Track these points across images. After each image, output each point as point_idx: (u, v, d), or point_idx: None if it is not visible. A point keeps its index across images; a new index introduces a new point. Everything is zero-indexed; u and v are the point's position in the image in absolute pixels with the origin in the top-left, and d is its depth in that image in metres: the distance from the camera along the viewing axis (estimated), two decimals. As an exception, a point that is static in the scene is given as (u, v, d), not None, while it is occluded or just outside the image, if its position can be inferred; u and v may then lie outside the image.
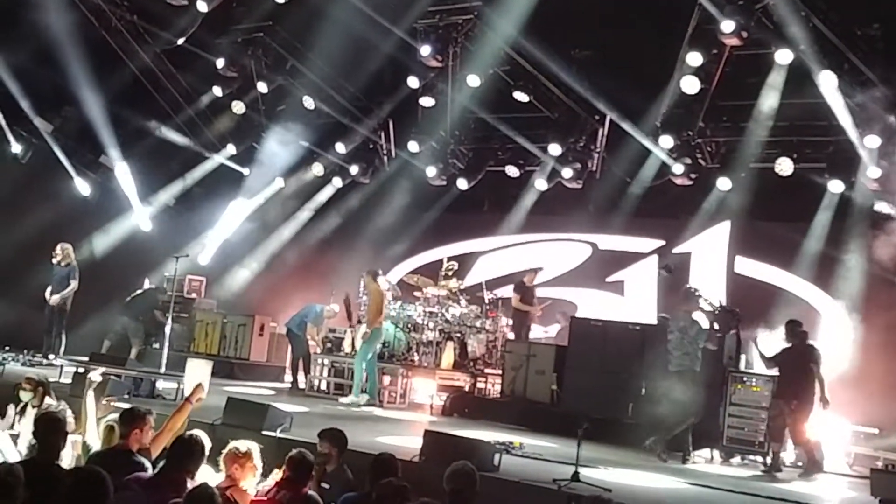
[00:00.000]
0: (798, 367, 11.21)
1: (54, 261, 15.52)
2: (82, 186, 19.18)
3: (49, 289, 15.38)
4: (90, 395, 7.77)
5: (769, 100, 14.07)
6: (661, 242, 16.75)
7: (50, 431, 5.89)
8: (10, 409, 8.46)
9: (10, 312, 17.41)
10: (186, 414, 7.35)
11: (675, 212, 16.27)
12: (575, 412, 11.56)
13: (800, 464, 11.59)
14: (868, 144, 13.37)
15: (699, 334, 11.23)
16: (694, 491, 9.32)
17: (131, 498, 5.12)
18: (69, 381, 11.90)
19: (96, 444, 7.13)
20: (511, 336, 16.03)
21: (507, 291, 16.64)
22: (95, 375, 8.21)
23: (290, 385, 15.88)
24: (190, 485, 6.05)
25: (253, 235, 20.17)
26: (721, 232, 16.10)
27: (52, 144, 18.51)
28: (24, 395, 8.74)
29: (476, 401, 14.71)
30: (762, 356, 11.50)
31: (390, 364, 15.18)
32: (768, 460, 11.31)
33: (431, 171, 17.65)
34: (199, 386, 7.66)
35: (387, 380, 15.23)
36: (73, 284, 15.45)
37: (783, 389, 11.22)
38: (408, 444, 9.80)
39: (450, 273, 16.38)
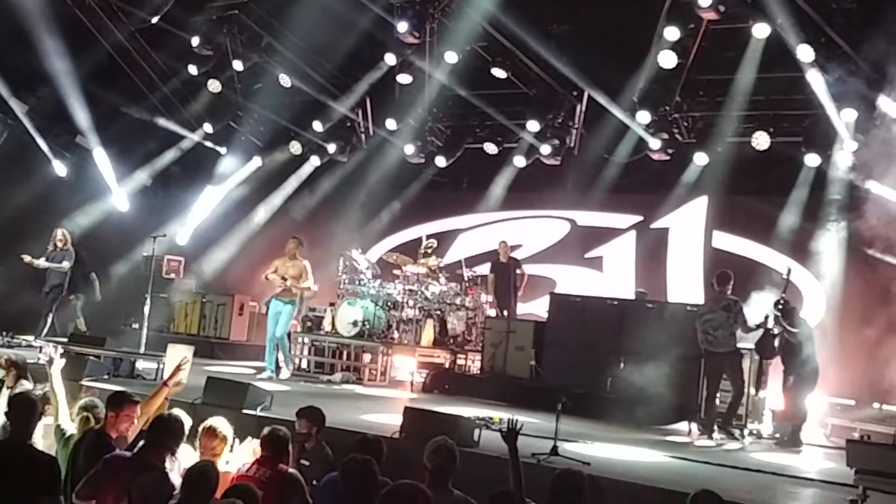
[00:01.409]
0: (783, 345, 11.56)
1: (51, 245, 15.35)
2: (59, 167, 19.07)
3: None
4: (56, 376, 7.69)
5: (746, 74, 14.10)
6: (640, 218, 16.78)
7: (23, 412, 5.90)
8: None
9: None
10: (162, 398, 7.32)
11: (652, 187, 16.29)
12: (554, 387, 11.63)
13: (777, 435, 11.73)
14: (845, 118, 13.41)
15: (741, 314, 11.31)
16: (672, 463, 9.40)
17: (156, 479, 5.11)
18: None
19: (70, 429, 7.09)
20: (490, 312, 16.06)
21: (486, 269, 16.65)
22: (54, 354, 7.82)
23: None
24: (169, 462, 6.07)
25: (231, 215, 20.08)
26: (698, 207, 16.15)
27: (27, 125, 18.36)
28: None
29: (456, 377, 14.76)
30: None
31: (371, 342, 15.20)
32: (745, 433, 11.47)
33: (409, 149, 17.61)
34: (178, 368, 7.62)
35: (367, 357, 15.28)
36: (65, 265, 15.41)
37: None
38: (388, 420, 9.85)
39: (429, 251, 16.37)
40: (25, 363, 9.14)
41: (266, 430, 6.64)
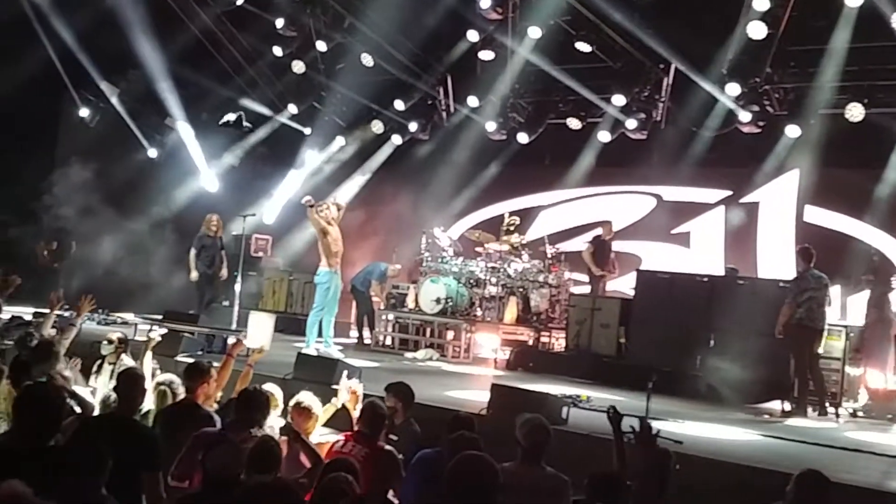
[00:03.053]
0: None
1: (206, 230, 15.42)
2: (149, 149, 19.48)
3: (193, 257, 15.29)
4: (148, 355, 7.95)
5: (839, 43, 13.69)
6: (728, 192, 16.49)
7: (131, 387, 6.08)
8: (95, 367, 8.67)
9: (85, 272, 17.81)
10: (230, 368, 7.47)
11: (742, 161, 15.95)
12: (643, 365, 11.50)
13: (873, 414, 11.45)
14: (943, 87, 12.97)
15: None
16: (766, 442, 9.23)
17: (229, 451, 5.19)
18: (143, 339, 12.18)
19: (148, 403, 7.25)
20: (575, 290, 15.95)
21: (570, 245, 16.57)
22: (155, 336, 8.37)
23: (356, 341, 16.06)
24: (259, 434, 6.13)
25: (315, 194, 20.22)
26: (790, 180, 15.79)
27: (118, 108, 18.81)
28: (105, 349, 8.92)
29: (540, 355, 14.69)
30: None
31: (454, 319, 15.25)
32: (840, 411, 11.24)
33: (491, 126, 17.50)
34: (237, 343, 7.79)
35: (450, 335, 15.33)
36: (223, 255, 15.65)
37: None
38: (474, 397, 9.88)
39: (511, 228, 16.29)
40: (129, 341, 9.43)
41: (366, 403, 6.67)
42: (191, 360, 8.66)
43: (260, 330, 10.80)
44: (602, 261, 15.76)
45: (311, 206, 13.36)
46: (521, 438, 5.77)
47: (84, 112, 19.14)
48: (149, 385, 7.50)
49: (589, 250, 15.85)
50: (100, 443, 4.78)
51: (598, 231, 16.16)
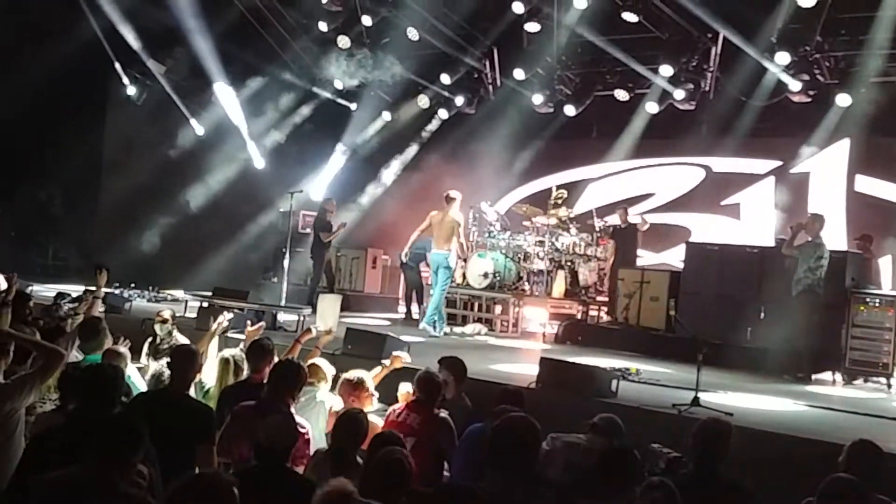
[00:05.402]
0: None
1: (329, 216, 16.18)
2: (196, 126, 19.63)
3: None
4: (215, 339, 8.04)
5: (890, 11, 13.38)
6: (779, 163, 16.27)
7: (185, 363, 6.14)
8: (146, 345, 8.75)
9: (134, 251, 18.09)
10: (296, 354, 7.59)
11: (792, 131, 15.72)
12: (693, 338, 11.42)
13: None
14: None
15: None
16: (816, 413, 9.14)
17: (282, 421, 5.25)
18: (194, 315, 12.37)
19: (210, 382, 7.34)
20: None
21: (618, 219, 16.47)
22: (225, 321, 8.52)
23: (403, 316, 16.14)
24: (293, 407, 6.18)
25: (362, 170, 20.33)
26: (840, 150, 15.55)
27: (165, 85, 18.96)
28: (160, 329, 9.05)
29: (589, 328, 14.67)
30: None
31: (501, 294, 15.25)
32: (892, 381, 11.11)
33: (538, 99, 17.36)
34: (307, 331, 7.92)
35: (498, 309, 15.35)
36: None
37: None
38: (523, 371, 9.89)
39: (559, 201, 16.24)
40: (176, 318, 9.56)
41: (421, 372, 6.69)
42: (238, 336, 8.77)
43: (328, 311, 10.88)
44: (625, 250, 15.60)
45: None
46: (599, 420, 5.90)
47: (131, 90, 19.35)
48: (211, 363, 7.63)
49: (611, 247, 15.77)
50: (151, 418, 4.81)
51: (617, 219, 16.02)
